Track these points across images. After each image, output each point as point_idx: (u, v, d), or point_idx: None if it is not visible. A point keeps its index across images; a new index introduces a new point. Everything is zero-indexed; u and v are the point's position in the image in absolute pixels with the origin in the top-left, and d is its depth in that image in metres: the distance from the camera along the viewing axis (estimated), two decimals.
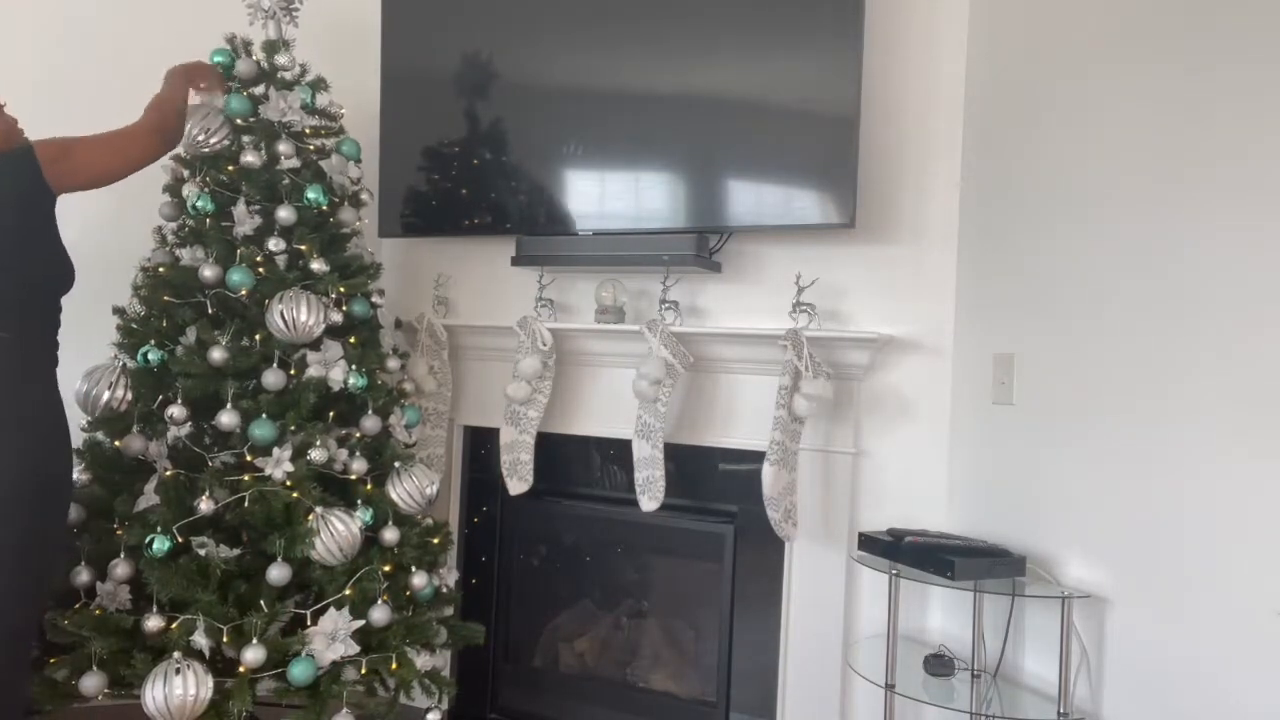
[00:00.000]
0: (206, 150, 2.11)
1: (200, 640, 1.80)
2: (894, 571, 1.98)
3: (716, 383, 2.46)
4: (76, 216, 2.11)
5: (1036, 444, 2.00)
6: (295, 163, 2.19)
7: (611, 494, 2.68)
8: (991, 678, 2.05)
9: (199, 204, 2.09)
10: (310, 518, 1.94)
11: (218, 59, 2.20)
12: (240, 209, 2.10)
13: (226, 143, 2.14)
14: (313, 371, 2.09)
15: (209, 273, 2.06)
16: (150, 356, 2.04)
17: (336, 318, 2.13)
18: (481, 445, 2.83)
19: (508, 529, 2.84)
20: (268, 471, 1.96)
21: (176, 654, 1.79)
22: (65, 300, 1.88)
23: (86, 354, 2.12)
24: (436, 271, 2.83)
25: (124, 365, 2.08)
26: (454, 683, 2.22)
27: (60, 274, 1.85)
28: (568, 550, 2.82)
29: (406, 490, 2.15)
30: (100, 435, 2.08)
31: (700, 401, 2.47)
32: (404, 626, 2.06)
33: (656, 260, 2.38)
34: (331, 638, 1.91)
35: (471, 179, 2.64)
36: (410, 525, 2.19)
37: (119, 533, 1.94)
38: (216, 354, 2.01)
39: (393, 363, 2.33)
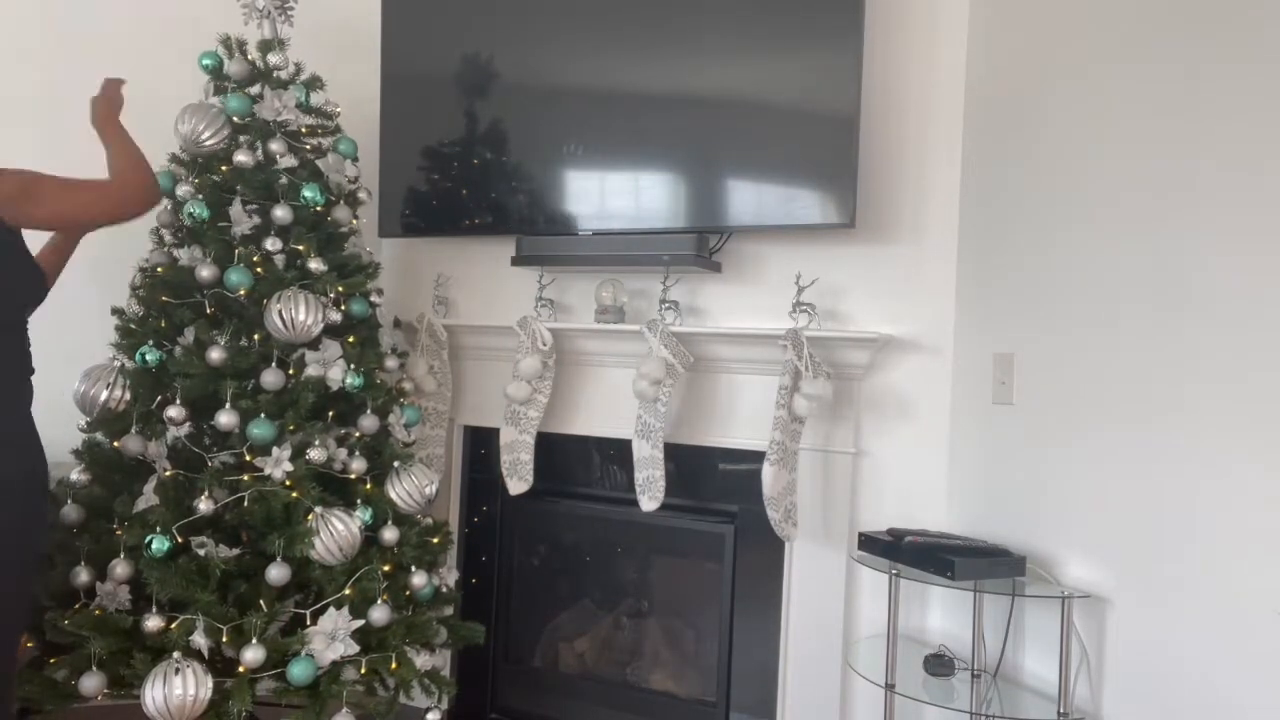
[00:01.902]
0: (207, 148, 2.11)
1: (200, 640, 1.80)
2: (894, 571, 1.97)
3: (716, 383, 2.46)
4: None
5: (1036, 444, 2.00)
6: (291, 161, 2.18)
7: (611, 494, 2.68)
8: (991, 678, 2.05)
9: (194, 211, 2.08)
10: (310, 517, 1.94)
11: (206, 62, 2.20)
12: (237, 209, 2.10)
13: (226, 143, 2.14)
14: (311, 371, 2.09)
15: (207, 273, 2.06)
16: (149, 357, 2.04)
17: (335, 317, 2.13)
18: (481, 445, 2.83)
19: (508, 529, 2.84)
20: (267, 471, 1.96)
21: (176, 654, 1.79)
22: (61, 301, 1.87)
23: (85, 354, 2.12)
24: (436, 271, 2.83)
25: (122, 366, 2.07)
26: (454, 683, 2.22)
27: (22, 289, 1.76)
28: (568, 550, 2.82)
29: (406, 490, 2.15)
30: (99, 435, 2.08)
31: (700, 401, 2.47)
32: (404, 626, 2.06)
33: (656, 260, 2.38)
34: (331, 637, 1.91)
35: (471, 179, 2.64)
36: (410, 525, 2.19)
37: (118, 533, 1.94)
38: (215, 354, 2.01)
39: (391, 362, 2.33)
